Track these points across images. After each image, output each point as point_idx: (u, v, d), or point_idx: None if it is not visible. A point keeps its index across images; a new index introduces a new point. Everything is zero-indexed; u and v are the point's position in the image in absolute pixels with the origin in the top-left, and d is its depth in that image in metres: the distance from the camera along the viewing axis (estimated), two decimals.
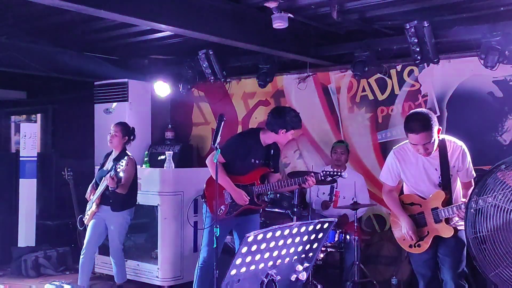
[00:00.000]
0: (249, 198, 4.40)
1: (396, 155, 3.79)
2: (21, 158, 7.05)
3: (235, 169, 4.44)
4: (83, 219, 5.25)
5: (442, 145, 3.58)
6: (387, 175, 3.87)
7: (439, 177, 3.63)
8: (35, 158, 7.11)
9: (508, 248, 3.05)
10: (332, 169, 4.65)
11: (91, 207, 5.15)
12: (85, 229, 5.29)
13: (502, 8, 4.78)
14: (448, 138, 3.66)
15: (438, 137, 3.54)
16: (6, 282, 6.13)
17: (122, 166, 4.77)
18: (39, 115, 9.21)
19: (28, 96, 9.40)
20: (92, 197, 5.16)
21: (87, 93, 7.45)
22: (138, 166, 6.18)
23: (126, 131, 5.20)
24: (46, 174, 7.56)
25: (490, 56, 4.99)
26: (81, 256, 5.17)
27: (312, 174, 4.41)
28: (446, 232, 3.60)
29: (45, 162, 7.57)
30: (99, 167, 5.34)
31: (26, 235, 6.88)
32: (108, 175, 4.88)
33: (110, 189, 4.94)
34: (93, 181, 5.30)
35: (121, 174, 4.86)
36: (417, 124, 3.45)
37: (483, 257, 3.15)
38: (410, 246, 3.78)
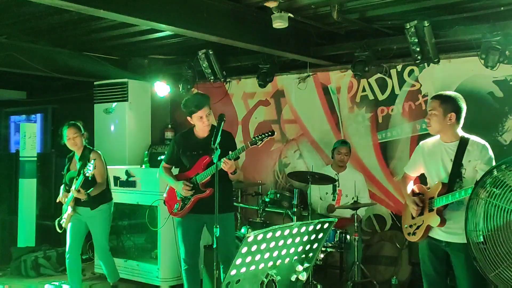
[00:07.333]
0: (190, 187, 4.37)
1: (420, 147, 3.90)
2: (21, 158, 7.05)
3: (185, 167, 4.52)
4: (61, 222, 5.15)
5: (465, 140, 3.64)
6: (409, 165, 4.00)
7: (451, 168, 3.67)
8: (35, 158, 7.11)
9: (509, 248, 3.05)
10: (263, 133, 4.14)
11: (66, 210, 5.07)
12: (64, 232, 5.20)
13: (502, 8, 4.78)
14: (475, 137, 3.69)
15: (450, 120, 3.59)
16: (6, 282, 6.13)
17: (90, 170, 4.70)
18: (39, 115, 9.22)
19: (28, 96, 9.39)
20: (66, 200, 5.07)
21: (87, 93, 7.46)
22: (137, 166, 6.20)
23: (80, 128, 5.17)
24: (46, 174, 7.55)
25: (490, 56, 4.99)
26: (66, 260, 5.13)
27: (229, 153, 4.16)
28: (432, 221, 3.59)
29: (45, 162, 7.57)
30: (65, 171, 5.23)
31: (26, 235, 6.89)
32: (73, 189, 4.83)
33: (85, 194, 4.84)
34: (63, 184, 5.21)
35: (90, 174, 4.73)
36: (437, 95, 3.71)
37: (483, 257, 3.15)
38: (409, 234, 3.81)
